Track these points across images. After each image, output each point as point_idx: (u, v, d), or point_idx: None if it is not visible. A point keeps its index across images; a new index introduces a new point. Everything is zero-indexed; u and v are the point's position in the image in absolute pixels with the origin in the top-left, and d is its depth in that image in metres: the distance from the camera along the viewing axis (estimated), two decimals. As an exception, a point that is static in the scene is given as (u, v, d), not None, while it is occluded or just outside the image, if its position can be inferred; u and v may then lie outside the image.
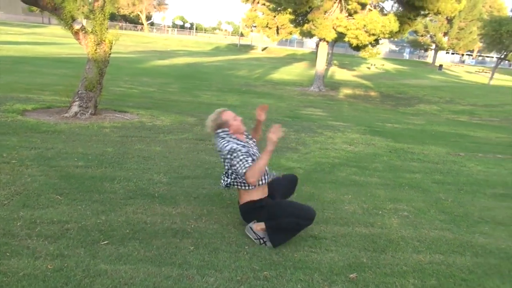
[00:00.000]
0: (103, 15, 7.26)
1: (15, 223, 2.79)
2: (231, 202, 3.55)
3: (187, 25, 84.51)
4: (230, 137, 2.92)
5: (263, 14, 49.67)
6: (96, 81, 7.22)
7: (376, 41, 17.68)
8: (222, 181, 3.02)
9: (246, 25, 57.24)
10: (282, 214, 2.79)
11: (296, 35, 53.02)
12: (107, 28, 7.38)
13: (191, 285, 2.28)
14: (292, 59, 45.41)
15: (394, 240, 3.09)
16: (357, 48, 18.03)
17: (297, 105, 13.37)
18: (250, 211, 2.93)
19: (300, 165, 4.99)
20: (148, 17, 72.72)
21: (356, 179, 4.65)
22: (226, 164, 2.89)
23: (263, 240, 2.83)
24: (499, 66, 36.53)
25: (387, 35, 15.91)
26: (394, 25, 15.05)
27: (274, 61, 38.65)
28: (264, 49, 55.39)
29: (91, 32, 7.12)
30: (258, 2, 50.16)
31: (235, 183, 2.92)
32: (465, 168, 5.65)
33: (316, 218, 3.34)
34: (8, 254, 2.41)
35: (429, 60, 58.50)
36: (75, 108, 7.06)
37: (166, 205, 3.34)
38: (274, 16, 48.08)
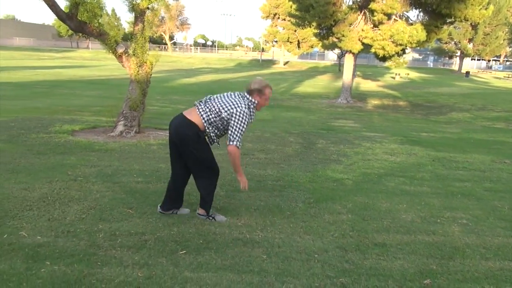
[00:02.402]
0: (143, 38, 7.60)
1: (97, 235, 2.98)
2: (291, 213, 3.65)
3: (209, 43, 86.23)
4: (251, 112, 3.17)
5: (284, 29, 50.34)
6: (139, 101, 7.51)
7: (403, 51, 17.60)
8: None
9: (266, 41, 58.03)
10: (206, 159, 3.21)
11: (317, 48, 53.39)
12: (147, 50, 7.71)
13: (273, 291, 2.38)
14: (314, 71, 45.54)
15: (460, 247, 3.11)
16: (383, 58, 18.00)
17: (328, 117, 13.42)
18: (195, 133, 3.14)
19: (347, 176, 5.05)
20: (171, 37, 74.60)
21: (406, 189, 4.67)
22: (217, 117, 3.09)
23: (212, 217, 3.34)
24: (530, 71, 35.56)
25: (414, 45, 15.84)
26: (422, 34, 14.99)
27: (297, 75, 38.84)
28: (286, 63, 55.81)
29: (133, 54, 7.45)
30: (278, 18, 50.90)
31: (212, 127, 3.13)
32: (514, 175, 5.57)
33: (377, 226, 3.42)
34: (99, 263, 2.58)
35: (455, 67, 57.52)
36: (120, 127, 7.35)
37: (230, 217, 3.47)
38: (295, 31, 48.68)
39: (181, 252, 2.79)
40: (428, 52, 61.15)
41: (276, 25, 51.49)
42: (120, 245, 2.85)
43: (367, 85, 30.41)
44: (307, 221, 3.48)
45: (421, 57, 67.47)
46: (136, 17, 7.78)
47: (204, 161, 3.21)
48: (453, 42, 49.29)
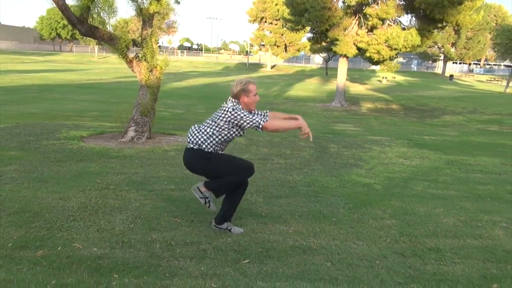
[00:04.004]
0: (152, 43, 7.51)
1: (154, 245, 2.91)
2: (336, 219, 3.65)
3: (194, 46, 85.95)
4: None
5: (271, 32, 50.57)
6: (150, 106, 7.41)
7: (396, 55, 17.89)
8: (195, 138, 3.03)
9: (252, 44, 58.18)
10: (226, 171, 3.03)
11: (304, 52, 53.77)
12: (157, 55, 7.62)
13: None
14: (302, 75, 45.85)
15: (511, 251, 3.16)
16: (377, 62, 18.26)
17: (327, 121, 13.52)
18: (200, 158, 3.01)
19: (374, 181, 5.09)
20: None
21: (435, 193, 4.73)
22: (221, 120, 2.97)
23: (207, 200, 3.10)
24: None
25: (409, 49, 16.13)
26: (417, 39, 15.29)
27: (286, 78, 39.04)
28: (273, 66, 56.00)
29: (144, 59, 7.35)
30: (265, 22, 51.10)
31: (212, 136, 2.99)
32: (531, 178, 5.70)
33: (424, 231, 3.44)
34: (167, 275, 2.52)
35: (438, 70, 58.80)
36: (131, 133, 7.22)
37: (278, 224, 3.45)
38: (282, 34, 49.00)
39: (244, 262, 2.75)
40: (412, 56, 62.33)
41: (263, 29, 51.65)
42: (180, 255, 2.79)
43: (356, 89, 30.79)
44: (354, 227, 3.48)
45: (405, 60, 68.68)
46: (144, 21, 7.68)
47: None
48: (436, 46, 50.40)
